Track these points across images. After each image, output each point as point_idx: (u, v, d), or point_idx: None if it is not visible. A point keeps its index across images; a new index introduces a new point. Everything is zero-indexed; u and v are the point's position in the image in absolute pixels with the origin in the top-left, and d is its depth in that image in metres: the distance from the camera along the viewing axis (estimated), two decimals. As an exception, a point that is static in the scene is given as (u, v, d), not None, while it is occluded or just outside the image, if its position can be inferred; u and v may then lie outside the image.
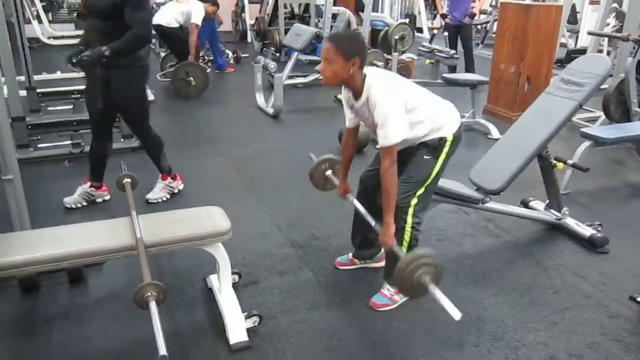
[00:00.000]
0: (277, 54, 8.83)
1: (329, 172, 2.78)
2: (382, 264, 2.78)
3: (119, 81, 3.05)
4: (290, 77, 6.51)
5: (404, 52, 7.93)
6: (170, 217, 2.30)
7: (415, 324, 2.37)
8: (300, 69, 7.14)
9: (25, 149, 4.20)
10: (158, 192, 3.59)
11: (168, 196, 3.63)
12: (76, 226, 2.31)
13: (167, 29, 6.59)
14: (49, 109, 5.44)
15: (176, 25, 6.54)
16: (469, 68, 7.08)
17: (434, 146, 2.34)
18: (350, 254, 2.80)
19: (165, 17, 6.57)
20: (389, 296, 2.47)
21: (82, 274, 2.62)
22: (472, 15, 7.34)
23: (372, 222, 2.37)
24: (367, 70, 2.23)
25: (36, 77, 5.46)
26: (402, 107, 2.18)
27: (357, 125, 2.50)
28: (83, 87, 3.54)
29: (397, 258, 2.09)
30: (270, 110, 5.77)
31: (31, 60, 5.24)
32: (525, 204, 3.46)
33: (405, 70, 6.96)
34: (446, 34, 7.50)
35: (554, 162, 3.13)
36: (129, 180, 2.46)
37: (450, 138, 2.34)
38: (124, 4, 2.85)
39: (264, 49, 9.19)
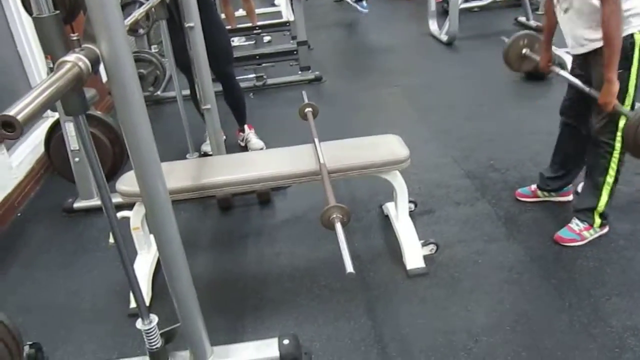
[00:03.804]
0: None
1: (526, 50, 2.56)
2: (569, 198, 2.60)
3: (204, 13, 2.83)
4: (465, 1, 6.13)
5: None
6: (350, 144, 2.37)
7: (607, 262, 2.20)
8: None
9: (215, 82, 4.57)
10: (257, 141, 3.51)
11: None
12: (264, 152, 2.51)
13: None
14: (234, 45, 5.82)
15: None
16: None
17: (623, 54, 2.01)
18: (533, 186, 2.64)
19: None
20: (577, 231, 2.30)
21: (269, 197, 2.86)
22: None
23: (587, 89, 2.16)
24: None
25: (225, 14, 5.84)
26: None
27: None
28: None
29: (598, 186, 2.10)
30: (445, 38, 5.52)
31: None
32: None
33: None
34: None
35: None
36: (310, 109, 2.56)
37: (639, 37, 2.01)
38: None
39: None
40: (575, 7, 2.06)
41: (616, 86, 2.00)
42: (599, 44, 2.03)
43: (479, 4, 6.48)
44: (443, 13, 5.94)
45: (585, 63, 2.20)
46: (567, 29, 2.18)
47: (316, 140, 2.23)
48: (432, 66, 5.00)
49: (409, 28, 6.44)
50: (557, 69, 2.35)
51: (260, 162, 2.34)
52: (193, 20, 2.48)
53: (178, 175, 2.21)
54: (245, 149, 3.54)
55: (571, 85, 2.35)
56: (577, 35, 2.12)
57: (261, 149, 3.44)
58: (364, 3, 6.67)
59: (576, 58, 2.27)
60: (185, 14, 2.47)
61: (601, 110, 2.11)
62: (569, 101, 2.39)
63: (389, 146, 2.27)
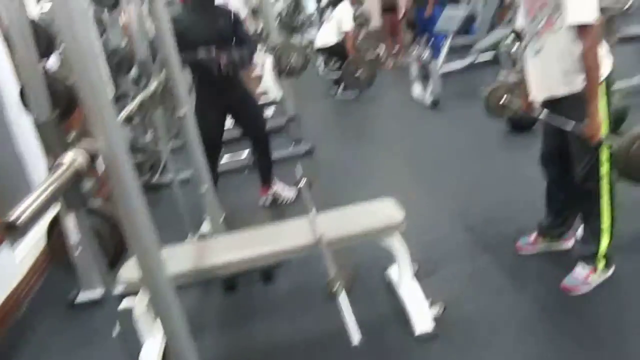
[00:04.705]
0: (431, 42, 8.66)
1: (506, 97, 2.67)
2: (571, 243, 2.61)
3: (232, 80, 3.34)
4: (446, 64, 6.36)
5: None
6: (346, 212, 2.40)
7: (619, 304, 2.20)
8: (457, 53, 6.90)
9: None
10: (289, 191, 3.77)
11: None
12: (263, 229, 2.53)
13: (327, 49, 6.97)
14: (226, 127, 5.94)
15: (336, 40, 6.79)
16: None
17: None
18: (533, 236, 2.66)
19: (324, 38, 6.95)
20: (583, 277, 2.30)
21: (272, 273, 2.85)
22: None
23: (570, 126, 2.16)
24: None
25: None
26: None
27: None
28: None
29: (596, 232, 2.13)
30: (429, 100, 5.69)
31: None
32: None
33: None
34: None
35: None
36: (304, 182, 2.62)
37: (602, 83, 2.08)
38: (236, 22, 3.33)
39: (416, 38, 9.08)
40: (550, 48, 2.12)
41: (599, 118, 2.05)
42: (568, 89, 2.11)
43: (459, 66, 6.71)
44: (425, 77, 6.15)
45: (552, 107, 2.26)
46: (537, 74, 2.25)
47: (313, 211, 2.26)
48: (421, 128, 5.13)
49: (394, 94, 6.65)
50: (539, 110, 2.41)
51: (259, 239, 2.36)
52: (184, 110, 2.57)
53: (179, 259, 2.22)
54: (272, 206, 3.78)
55: (547, 136, 2.42)
56: (548, 78, 2.19)
57: (293, 198, 3.72)
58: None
59: (543, 103, 2.34)
60: (177, 104, 2.57)
61: (582, 158, 2.17)
62: (548, 152, 2.45)
63: (384, 211, 2.31)
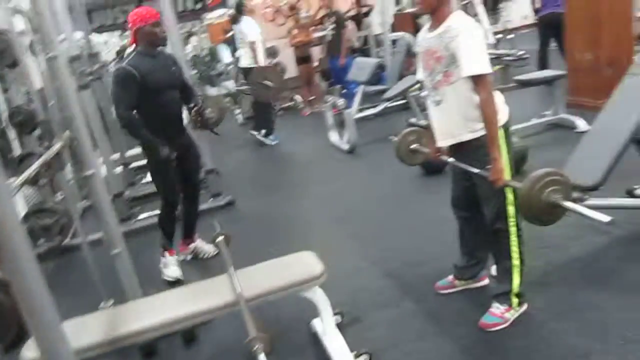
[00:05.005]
0: (344, 90, 8.93)
1: (415, 145, 2.74)
2: (486, 282, 2.69)
3: (182, 126, 3.47)
4: (360, 111, 6.57)
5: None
6: (265, 268, 2.37)
7: (533, 339, 2.26)
8: (370, 100, 7.16)
9: (128, 221, 4.48)
10: (209, 246, 3.67)
11: None
12: (181, 290, 2.45)
13: (248, 69, 6.93)
14: (143, 181, 5.78)
15: (253, 64, 6.82)
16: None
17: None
18: (451, 277, 2.73)
19: (244, 60, 7.03)
20: (499, 314, 2.37)
21: (194, 334, 2.73)
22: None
23: (475, 170, 2.26)
24: (458, 12, 2.22)
25: (128, 153, 5.84)
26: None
27: None
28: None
29: (507, 270, 2.24)
30: (346, 146, 5.82)
31: (124, 138, 5.59)
32: (630, 194, 3.19)
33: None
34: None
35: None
36: (222, 238, 2.55)
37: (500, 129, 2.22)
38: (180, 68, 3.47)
39: (330, 87, 9.33)
40: (450, 99, 2.24)
41: (501, 162, 2.16)
42: (471, 135, 2.23)
43: (373, 112, 6.95)
44: (341, 123, 6.30)
45: (458, 153, 2.37)
46: (440, 122, 2.36)
47: (231, 269, 2.21)
48: (339, 174, 5.21)
49: (312, 141, 6.74)
50: (446, 157, 2.51)
51: (177, 301, 2.27)
52: (92, 168, 2.47)
53: (91, 330, 2.09)
54: (193, 262, 3.69)
55: (455, 180, 2.53)
56: (451, 126, 2.30)
57: (214, 252, 3.58)
58: (272, 136, 6.91)
59: (449, 149, 2.45)
60: (84, 162, 2.46)
61: (489, 200, 2.27)
62: (457, 196, 2.55)
63: (303, 264, 2.29)
